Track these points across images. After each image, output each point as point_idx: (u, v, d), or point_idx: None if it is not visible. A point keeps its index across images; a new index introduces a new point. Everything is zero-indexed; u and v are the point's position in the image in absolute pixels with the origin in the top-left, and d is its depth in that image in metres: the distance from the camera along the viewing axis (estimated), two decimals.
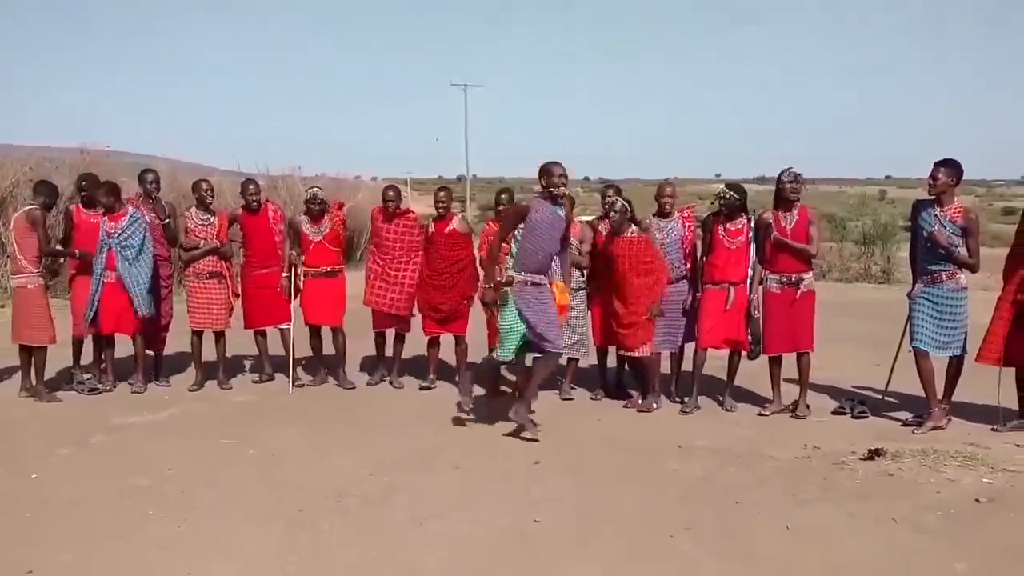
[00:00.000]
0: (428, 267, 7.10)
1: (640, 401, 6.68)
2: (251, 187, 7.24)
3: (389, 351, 7.48)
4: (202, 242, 7.08)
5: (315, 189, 7.32)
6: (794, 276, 6.29)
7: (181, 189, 12.25)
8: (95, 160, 14.70)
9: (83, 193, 7.04)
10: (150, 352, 7.30)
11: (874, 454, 5.25)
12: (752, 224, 6.43)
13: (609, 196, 6.73)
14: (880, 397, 6.55)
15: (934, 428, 5.88)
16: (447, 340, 7.32)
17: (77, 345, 7.15)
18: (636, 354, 6.50)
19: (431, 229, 7.13)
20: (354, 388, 7.28)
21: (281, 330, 7.35)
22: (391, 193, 7.22)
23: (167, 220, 7.10)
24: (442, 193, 7.27)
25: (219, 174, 17.19)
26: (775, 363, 6.51)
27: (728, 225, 6.47)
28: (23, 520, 4.31)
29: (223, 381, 7.30)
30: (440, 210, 7.12)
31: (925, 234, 5.92)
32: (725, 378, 6.75)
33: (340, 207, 7.45)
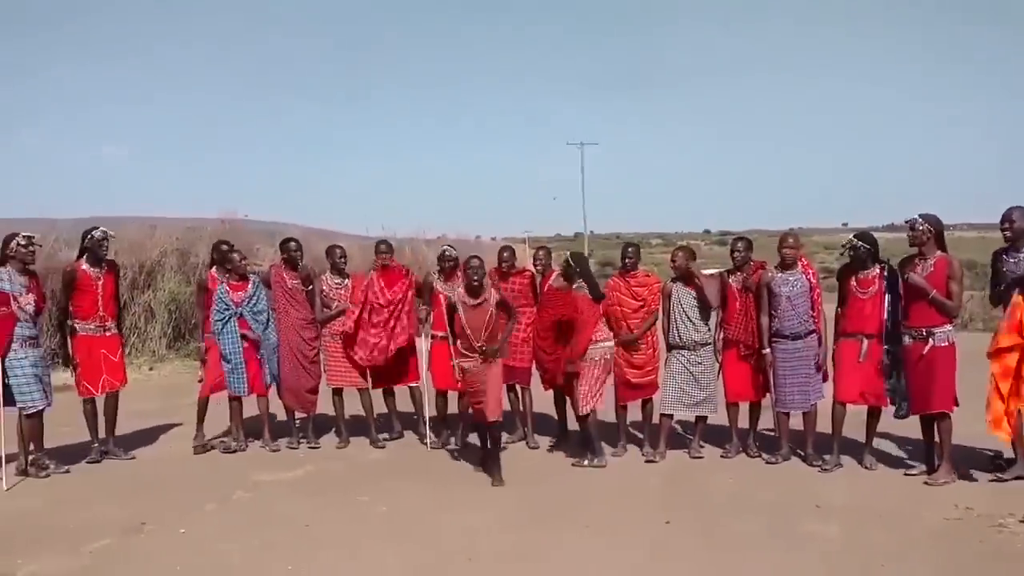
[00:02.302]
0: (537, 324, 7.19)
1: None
2: (382, 246, 7.51)
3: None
4: (335, 303, 7.35)
5: (447, 247, 7.52)
6: (924, 330, 5.92)
7: (314, 254, 12.75)
8: (234, 229, 15.55)
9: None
10: (303, 413, 7.54)
11: None
12: (886, 273, 6.20)
13: (739, 250, 6.69)
14: None
15: None
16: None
17: (204, 405, 7.39)
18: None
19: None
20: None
21: (411, 388, 7.52)
22: (506, 254, 7.42)
23: (311, 287, 7.40)
24: (541, 252, 7.49)
25: (348, 239, 17.86)
26: (924, 421, 6.15)
27: (860, 275, 6.27)
28: (174, 572, 4.53)
29: (376, 439, 7.47)
30: (538, 268, 7.37)
31: None
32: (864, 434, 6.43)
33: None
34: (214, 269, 7.47)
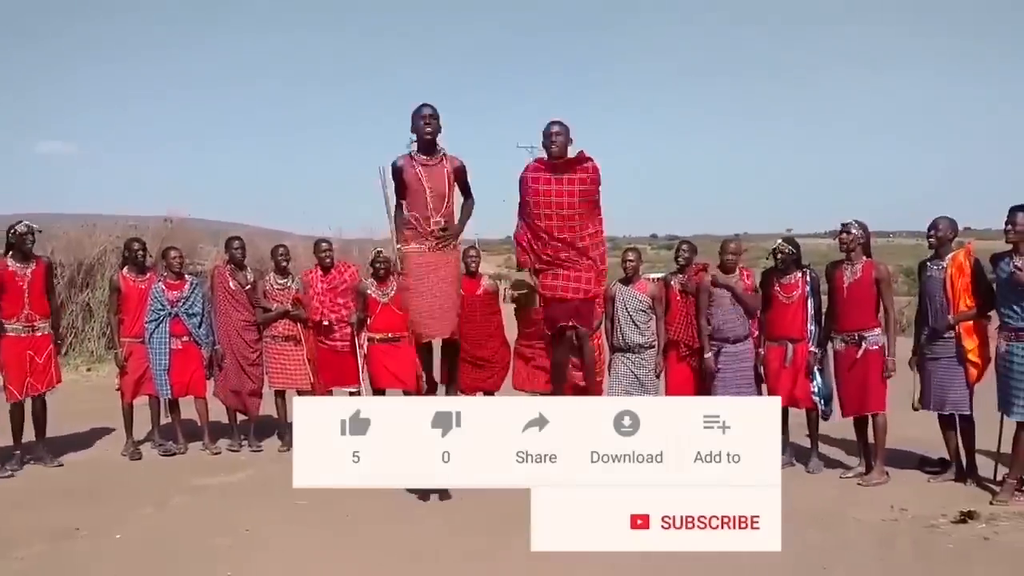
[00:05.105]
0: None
1: None
2: (323, 244, 7.49)
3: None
4: (276, 305, 7.24)
5: (380, 249, 7.45)
6: (856, 334, 6.07)
7: (258, 254, 12.58)
8: (179, 227, 15.28)
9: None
10: (244, 415, 7.41)
11: (967, 517, 5.04)
12: (809, 279, 6.34)
13: (684, 252, 6.76)
14: (994, 465, 6.06)
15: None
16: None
17: (129, 411, 7.20)
18: None
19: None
20: None
21: (351, 393, 7.42)
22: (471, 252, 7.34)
23: (248, 286, 7.26)
24: (472, 251, 7.34)
25: (295, 239, 17.67)
26: (857, 424, 6.28)
27: (783, 280, 6.40)
28: None
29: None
30: (472, 268, 7.24)
31: (1005, 281, 5.52)
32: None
33: None
34: (125, 269, 7.18)
